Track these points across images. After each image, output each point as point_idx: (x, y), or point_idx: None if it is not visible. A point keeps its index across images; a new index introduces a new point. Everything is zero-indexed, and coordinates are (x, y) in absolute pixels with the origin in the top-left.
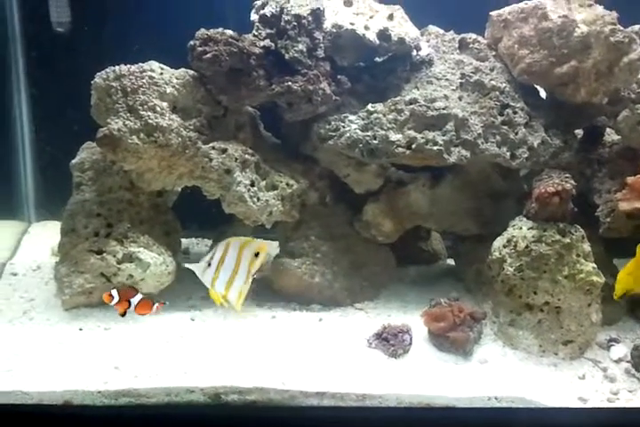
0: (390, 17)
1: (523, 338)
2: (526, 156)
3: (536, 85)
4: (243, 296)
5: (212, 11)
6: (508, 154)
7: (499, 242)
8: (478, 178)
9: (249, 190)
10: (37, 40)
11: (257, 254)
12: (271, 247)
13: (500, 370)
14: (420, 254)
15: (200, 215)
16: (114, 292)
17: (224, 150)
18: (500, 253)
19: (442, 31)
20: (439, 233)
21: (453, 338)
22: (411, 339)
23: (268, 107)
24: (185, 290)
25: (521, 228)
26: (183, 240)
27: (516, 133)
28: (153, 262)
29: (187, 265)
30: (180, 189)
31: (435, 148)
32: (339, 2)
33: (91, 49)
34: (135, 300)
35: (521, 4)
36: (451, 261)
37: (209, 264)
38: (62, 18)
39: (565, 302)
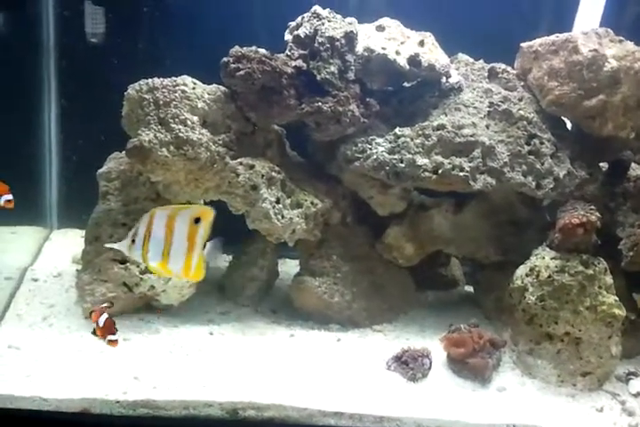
0: (421, 43)
1: (541, 368)
2: (552, 186)
3: (563, 117)
4: (200, 268)
5: (243, 29)
6: (534, 184)
7: (521, 270)
8: (501, 206)
9: (274, 207)
10: (70, 50)
11: (198, 221)
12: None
13: (518, 399)
14: (439, 280)
15: (219, 230)
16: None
17: (251, 166)
18: (522, 282)
19: (471, 60)
20: (459, 259)
21: (473, 364)
22: (430, 363)
23: (294, 126)
24: (203, 304)
25: (544, 257)
26: None
27: (543, 164)
28: None
29: (107, 245)
30: (202, 204)
31: (461, 174)
32: (371, 26)
33: (122, 61)
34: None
35: (552, 37)
36: (469, 288)
37: (133, 241)
38: (97, 29)
39: (586, 333)
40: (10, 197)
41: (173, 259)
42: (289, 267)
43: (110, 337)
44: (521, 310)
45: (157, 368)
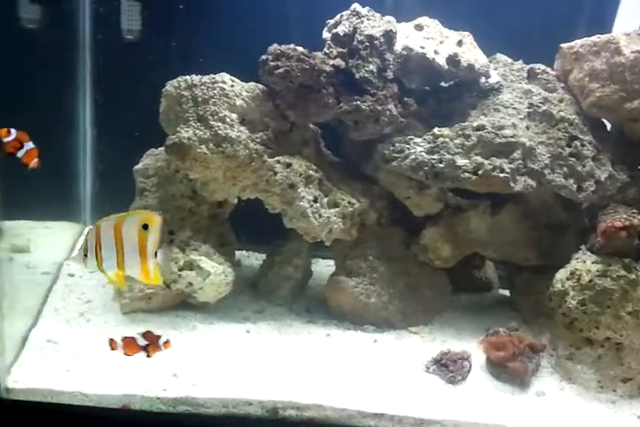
0: (460, 43)
1: (581, 373)
2: (593, 189)
3: (604, 119)
4: (157, 273)
5: (280, 27)
6: (575, 186)
7: (561, 274)
8: (539, 208)
9: (311, 206)
10: (105, 46)
11: (146, 227)
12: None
13: (557, 404)
14: (473, 282)
15: (251, 228)
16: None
17: (289, 165)
18: (563, 286)
19: (510, 60)
20: (497, 262)
21: (512, 368)
22: (470, 366)
23: (328, 125)
24: (237, 302)
25: (585, 261)
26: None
27: (584, 166)
28: (213, 271)
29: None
30: (236, 202)
31: (502, 175)
32: (409, 25)
33: (158, 58)
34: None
35: (593, 38)
36: (503, 291)
37: (85, 254)
38: (133, 26)
39: (627, 338)
40: (31, 145)
41: (128, 266)
42: (321, 267)
43: (161, 341)
44: (561, 314)
45: (196, 365)
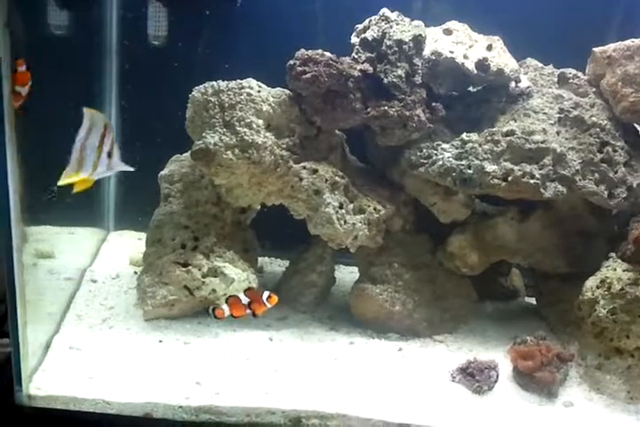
0: (489, 47)
1: (610, 383)
2: (624, 196)
3: (636, 125)
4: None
5: (306, 32)
6: (606, 193)
7: (591, 282)
8: (569, 215)
9: (337, 212)
10: (132, 52)
11: None
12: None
13: (585, 415)
14: (499, 290)
15: (274, 234)
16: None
17: (315, 171)
18: (593, 294)
19: (540, 64)
20: (524, 269)
21: (540, 378)
22: (497, 376)
23: (354, 130)
24: None
25: (615, 269)
26: None
27: (616, 172)
28: (237, 278)
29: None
30: (259, 208)
31: (532, 181)
32: (438, 30)
33: (184, 64)
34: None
35: (627, 42)
36: (529, 299)
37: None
38: (159, 31)
39: None
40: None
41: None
42: (343, 273)
43: (265, 297)
44: (590, 323)
45: (219, 373)
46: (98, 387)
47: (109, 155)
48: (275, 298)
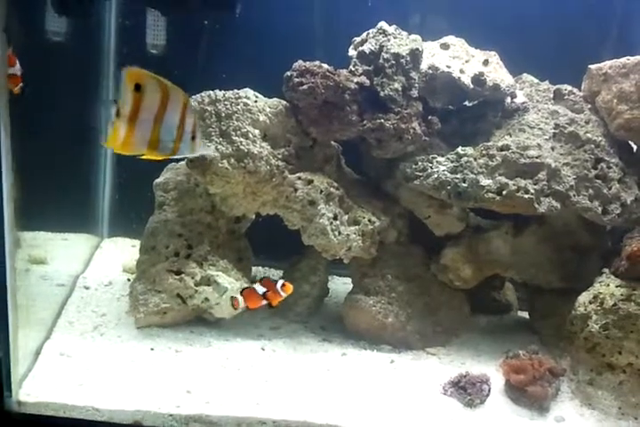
0: (486, 62)
1: (602, 398)
2: (618, 212)
3: (630, 142)
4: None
5: (303, 43)
6: (600, 209)
7: (584, 297)
8: (563, 230)
9: (331, 223)
10: (130, 60)
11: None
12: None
13: None
14: (492, 304)
15: (268, 244)
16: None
17: (310, 181)
18: (586, 310)
19: (536, 80)
20: (518, 283)
21: (532, 392)
22: (489, 390)
23: (350, 142)
24: (253, 318)
25: (608, 285)
26: None
27: (610, 188)
28: (230, 288)
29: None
30: (254, 217)
31: (526, 196)
32: (435, 44)
33: (182, 73)
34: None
35: (623, 60)
36: (522, 313)
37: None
38: (158, 40)
39: None
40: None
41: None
42: (337, 284)
43: (279, 286)
44: (582, 338)
45: (210, 382)
46: (88, 394)
47: (193, 137)
48: (289, 286)
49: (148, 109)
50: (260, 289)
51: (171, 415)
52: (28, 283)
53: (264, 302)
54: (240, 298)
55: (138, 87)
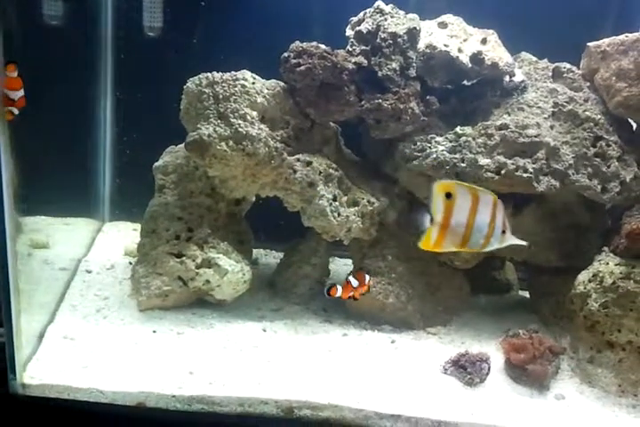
0: (484, 41)
1: (602, 376)
2: (617, 190)
3: (630, 120)
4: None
5: (301, 24)
6: (599, 187)
7: (583, 276)
8: (562, 209)
9: (331, 205)
10: (127, 43)
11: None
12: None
13: (577, 408)
14: (493, 284)
15: (268, 226)
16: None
17: (309, 163)
18: (585, 288)
19: (535, 59)
20: (517, 263)
21: (532, 371)
22: (489, 368)
23: (348, 123)
24: (254, 300)
25: (608, 263)
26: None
27: (609, 167)
28: (231, 270)
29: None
30: (254, 199)
31: (525, 175)
32: (433, 23)
33: (179, 55)
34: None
35: (621, 37)
36: (522, 293)
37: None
38: (155, 23)
39: None
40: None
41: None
42: (338, 266)
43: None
44: (582, 316)
45: (212, 363)
46: (92, 376)
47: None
48: (370, 282)
49: (459, 215)
50: (355, 282)
51: (174, 396)
52: (31, 267)
53: (351, 293)
54: (339, 287)
55: (449, 195)
